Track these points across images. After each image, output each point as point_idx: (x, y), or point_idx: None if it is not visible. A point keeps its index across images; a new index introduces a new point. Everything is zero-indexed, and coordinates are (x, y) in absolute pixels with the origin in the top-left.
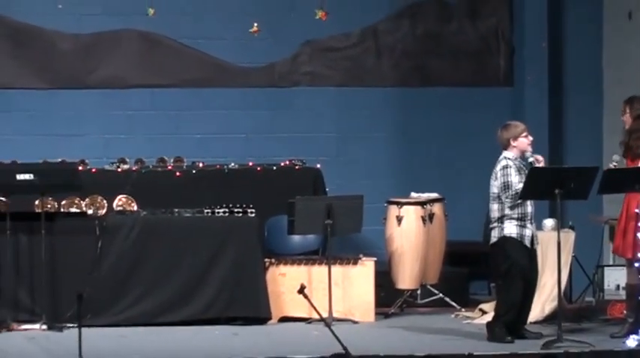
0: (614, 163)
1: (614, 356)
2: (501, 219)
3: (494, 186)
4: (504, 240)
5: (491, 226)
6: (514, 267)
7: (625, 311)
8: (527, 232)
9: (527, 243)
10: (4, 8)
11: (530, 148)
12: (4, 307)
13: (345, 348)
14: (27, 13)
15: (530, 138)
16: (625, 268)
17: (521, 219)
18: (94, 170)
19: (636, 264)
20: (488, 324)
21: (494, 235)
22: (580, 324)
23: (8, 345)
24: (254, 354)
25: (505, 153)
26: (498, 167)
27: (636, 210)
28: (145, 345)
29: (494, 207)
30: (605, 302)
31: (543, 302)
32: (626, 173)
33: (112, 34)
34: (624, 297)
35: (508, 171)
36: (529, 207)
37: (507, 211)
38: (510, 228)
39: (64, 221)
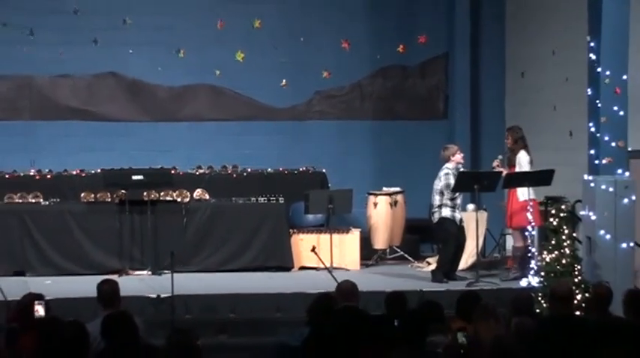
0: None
1: (510, 291)
2: (440, 206)
3: (438, 185)
4: (443, 219)
5: (433, 210)
6: (448, 237)
7: (512, 263)
8: (457, 215)
9: (457, 221)
10: (123, 69)
11: (462, 161)
12: (124, 259)
13: (337, 281)
14: (138, 73)
15: (462, 154)
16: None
17: (453, 207)
18: (181, 173)
19: (526, 233)
20: (432, 271)
21: (436, 216)
22: (490, 271)
23: (127, 284)
24: (283, 290)
25: (447, 165)
26: (442, 173)
27: (526, 198)
28: (216, 284)
29: (437, 198)
30: (506, 258)
31: (467, 257)
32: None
33: (193, 86)
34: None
35: (449, 176)
36: (458, 199)
37: (445, 201)
38: (446, 212)
39: (162, 205)
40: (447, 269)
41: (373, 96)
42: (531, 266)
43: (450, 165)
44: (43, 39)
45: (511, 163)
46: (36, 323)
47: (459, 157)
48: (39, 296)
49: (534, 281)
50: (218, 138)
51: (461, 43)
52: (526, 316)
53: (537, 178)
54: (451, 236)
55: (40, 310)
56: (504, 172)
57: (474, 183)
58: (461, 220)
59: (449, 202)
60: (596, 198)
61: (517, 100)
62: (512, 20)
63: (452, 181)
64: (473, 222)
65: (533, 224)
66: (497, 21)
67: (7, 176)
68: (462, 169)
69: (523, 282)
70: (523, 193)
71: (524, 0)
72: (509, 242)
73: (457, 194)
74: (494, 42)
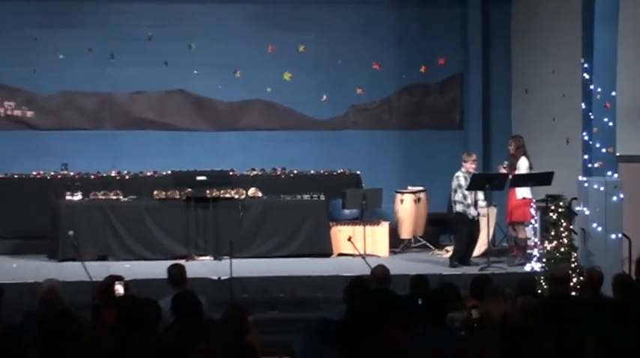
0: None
1: (516, 275)
2: (455, 203)
3: (453, 185)
4: (456, 214)
5: (451, 206)
6: (460, 229)
7: (516, 252)
8: (471, 211)
9: (470, 216)
10: (189, 86)
11: (472, 167)
12: (190, 247)
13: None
14: (202, 90)
15: (474, 165)
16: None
17: (466, 204)
18: (238, 174)
19: (530, 225)
20: (450, 258)
21: (453, 211)
22: (499, 258)
23: (192, 268)
24: (324, 273)
25: (462, 169)
26: (455, 176)
27: (527, 196)
28: (267, 268)
29: (453, 195)
30: (512, 247)
31: (479, 246)
32: (523, 177)
33: (248, 101)
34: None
35: (459, 178)
36: (469, 198)
37: (458, 198)
38: (459, 208)
39: (221, 201)
40: (460, 256)
41: (400, 109)
42: (534, 254)
43: (463, 169)
44: (122, 61)
45: (513, 167)
46: (116, 300)
47: (469, 166)
48: (119, 278)
49: (537, 266)
50: (269, 145)
51: (474, 64)
52: (530, 296)
53: (539, 179)
54: (463, 228)
55: (119, 289)
56: (510, 174)
57: (486, 183)
58: (478, 215)
59: (462, 200)
60: (590, 196)
61: (521, 113)
62: (517, 44)
63: (462, 183)
64: (484, 216)
65: (535, 218)
66: (505, 45)
67: (92, 177)
68: (474, 172)
69: (527, 267)
70: (521, 192)
71: (528, 27)
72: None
73: (470, 193)
74: (502, 63)
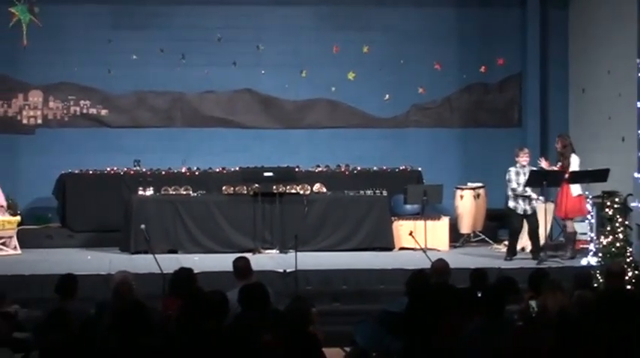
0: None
1: (573, 269)
2: (508, 198)
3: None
4: (507, 209)
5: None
6: (509, 224)
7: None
8: (521, 205)
9: (520, 211)
10: (256, 85)
11: (524, 161)
12: (257, 240)
13: (430, 260)
14: (269, 89)
15: (525, 156)
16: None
17: (516, 198)
18: (303, 170)
19: (585, 221)
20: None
21: (507, 206)
22: (556, 252)
23: (259, 261)
24: (386, 266)
25: (516, 164)
26: (508, 170)
27: (580, 193)
28: (331, 261)
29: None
30: (568, 241)
31: (523, 241)
32: (580, 174)
33: (313, 100)
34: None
35: (509, 173)
36: (518, 190)
37: (509, 193)
38: (510, 203)
39: (287, 197)
40: (512, 250)
41: (460, 108)
42: (590, 248)
43: (517, 164)
44: (192, 62)
45: (564, 165)
46: (186, 291)
47: (521, 159)
48: (189, 270)
49: (593, 260)
50: (333, 143)
51: (532, 64)
52: (586, 289)
53: (596, 176)
54: (511, 223)
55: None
56: (566, 172)
57: (543, 180)
58: (525, 209)
59: (512, 195)
60: None
61: (578, 111)
62: (574, 45)
63: (512, 177)
64: (542, 211)
65: (592, 214)
66: (562, 46)
67: (163, 172)
68: (528, 168)
69: (584, 261)
70: (576, 189)
71: (585, 28)
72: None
73: (520, 188)
74: (560, 63)
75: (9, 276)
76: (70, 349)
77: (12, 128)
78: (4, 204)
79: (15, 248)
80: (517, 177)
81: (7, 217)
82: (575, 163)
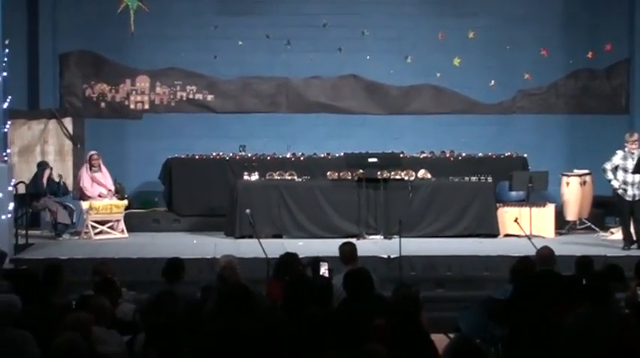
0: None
1: None
2: (610, 182)
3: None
4: (616, 195)
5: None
6: (619, 210)
7: None
8: (628, 191)
9: (628, 197)
10: (361, 71)
11: (633, 147)
12: (361, 226)
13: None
14: (374, 75)
15: (635, 145)
16: None
17: (625, 184)
18: (408, 156)
19: None
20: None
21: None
22: None
23: (363, 246)
24: (490, 253)
25: (624, 148)
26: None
27: None
28: (435, 247)
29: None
30: None
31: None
32: None
33: (418, 86)
34: None
35: (614, 156)
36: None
37: (611, 176)
38: (615, 185)
39: (392, 182)
40: (626, 237)
41: (566, 94)
42: None
43: (626, 149)
44: (298, 47)
45: None
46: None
47: (630, 146)
48: (293, 255)
49: None
50: (438, 128)
51: None
52: None
53: None
54: (621, 209)
55: (324, 270)
56: None
57: None
58: (634, 197)
59: (617, 178)
60: None
61: None
62: None
63: (615, 160)
64: None
65: None
66: None
67: (268, 158)
68: (638, 153)
69: None
70: None
71: None
72: None
73: (625, 173)
74: None
75: (116, 259)
76: (176, 332)
77: (120, 113)
78: (112, 188)
79: (122, 231)
80: (624, 161)
81: (115, 201)
82: None
